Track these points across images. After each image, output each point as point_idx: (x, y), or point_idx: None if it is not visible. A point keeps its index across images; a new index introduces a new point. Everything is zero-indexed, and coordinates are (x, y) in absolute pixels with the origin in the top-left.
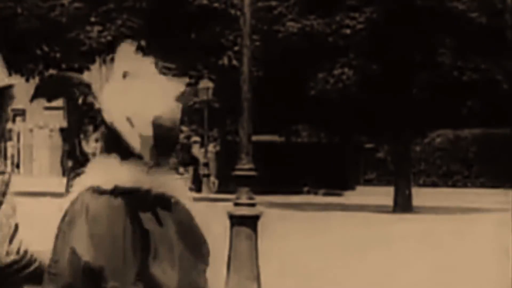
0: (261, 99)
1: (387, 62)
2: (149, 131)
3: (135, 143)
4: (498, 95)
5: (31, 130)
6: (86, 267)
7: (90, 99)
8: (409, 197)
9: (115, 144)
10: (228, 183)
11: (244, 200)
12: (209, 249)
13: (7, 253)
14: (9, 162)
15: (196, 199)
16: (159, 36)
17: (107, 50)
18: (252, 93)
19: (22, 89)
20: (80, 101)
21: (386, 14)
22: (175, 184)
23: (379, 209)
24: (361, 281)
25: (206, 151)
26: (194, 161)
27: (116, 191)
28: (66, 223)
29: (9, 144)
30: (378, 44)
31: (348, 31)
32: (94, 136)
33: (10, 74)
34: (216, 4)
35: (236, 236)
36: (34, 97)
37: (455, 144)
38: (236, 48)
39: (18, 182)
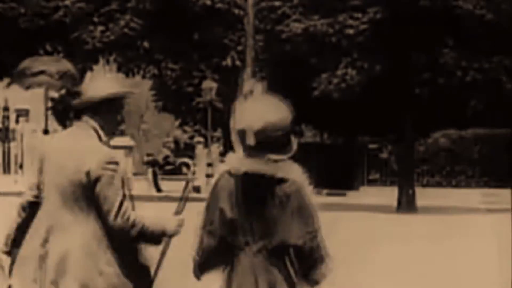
0: None
1: (391, 62)
2: (251, 136)
3: (237, 144)
4: (502, 95)
5: (34, 131)
6: (230, 221)
7: (73, 89)
8: (413, 197)
9: (243, 144)
10: None
11: None
12: (318, 219)
13: (115, 219)
14: (12, 162)
15: (196, 199)
16: (162, 37)
17: (110, 50)
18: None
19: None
20: (61, 92)
21: (390, 14)
22: (291, 171)
23: (383, 209)
24: (364, 280)
25: (209, 152)
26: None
27: (245, 174)
28: (213, 196)
29: (12, 144)
30: (381, 44)
31: (351, 31)
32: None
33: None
34: (219, 5)
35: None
36: (10, 83)
37: (459, 144)
38: (239, 48)
39: (19, 182)
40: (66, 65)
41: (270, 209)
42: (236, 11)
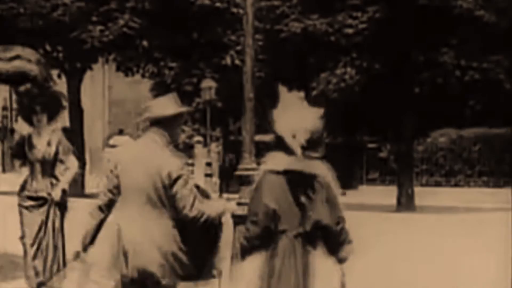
0: (264, 99)
1: (390, 61)
2: (302, 140)
3: (295, 147)
4: (501, 95)
5: None
6: (273, 212)
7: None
8: (412, 196)
9: (281, 145)
10: (229, 183)
11: (247, 199)
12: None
13: (190, 212)
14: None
15: None
16: (161, 36)
17: (110, 50)
18: (255, 93)
19: None
20: (26, 86)
21: (389, 14)
22: (321, 168)
23: (382, 208)
24: (363, 280)
25: (208, 151)
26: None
27: (285, 172)
28: (257, 191)
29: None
30: (380, 43)
31: (350, 30)
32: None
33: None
34: (218, 4)
35: (239, 235)
36: None
37: (458, 143)
38: (238, 47)
39: (21, 182)
40: (36, 54)
41: (306, 200)
42: (235, 10)
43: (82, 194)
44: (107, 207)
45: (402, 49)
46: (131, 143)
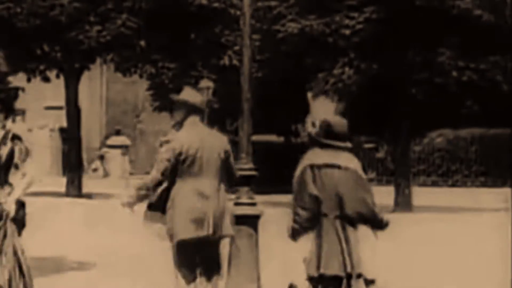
0: (261, 99)
1: (387, 61)
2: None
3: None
4: (498, 96)
5: (30, 130)
6: (316, 198)
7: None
8: (409, 196)
9: (316, 143)
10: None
11: (244, 199)
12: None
13: (236, 175)
14: None
15: None
16: (159, 36)
17: (107, 50)
18: (252, 93)
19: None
20: None
21: (386, 14)
22: (352, 162)
23: (379, 208)
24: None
25: None
26: None
27: (321, 165)
28: (300, 183)
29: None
30: (378, 44)
31: (347, 31)
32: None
33: (11, 74)
34: (216, 4)
35: (237, 235)
36: None
37: (455, 143)
38: (236, 48)
39: (17, 182)
40: None
41: (341, 188)
42: (233, 10)
43: (79, 195)
44: (167, 176)
45: (399, 50)
46: (187, 130)
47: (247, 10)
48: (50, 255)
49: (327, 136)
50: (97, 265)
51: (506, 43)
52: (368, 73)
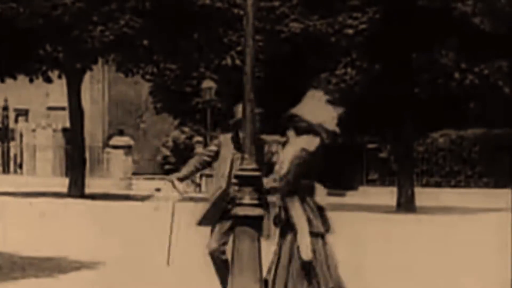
0: (264, 99)
1: (390, 62)
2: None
3: (323, 134)
4: (500, 100)
5: (33, 130)
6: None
7: None
8: (412, 197)
9: (313, 131)
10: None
11: (247, 200)
12: None
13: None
14: (12, 162)
15: (197, 199)
16: (162, 36)
17: (110, 50)
18: (255, 93)
19: (25, 89)
20: None
21: (389, 15)
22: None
23: (382, 209)
24: (363, 281)
25: None
26: None
27: (314, 151)
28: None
29: (12, 144)
30: (380, 44)
31: (350, 31)
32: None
33: (14, 75)
34: (218, 4)
35: (239, 236)
36: None
37: (458, 144)
38: (239, 48)
39: (21, 182)
40: None
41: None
42: (235, 10)
43: (82, 195)
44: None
45: (402, 50)
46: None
47: (250, 10)
48: (51, 255)
49: None
50: (98, 265)
51: (508, 47)
52: (371, 73)
